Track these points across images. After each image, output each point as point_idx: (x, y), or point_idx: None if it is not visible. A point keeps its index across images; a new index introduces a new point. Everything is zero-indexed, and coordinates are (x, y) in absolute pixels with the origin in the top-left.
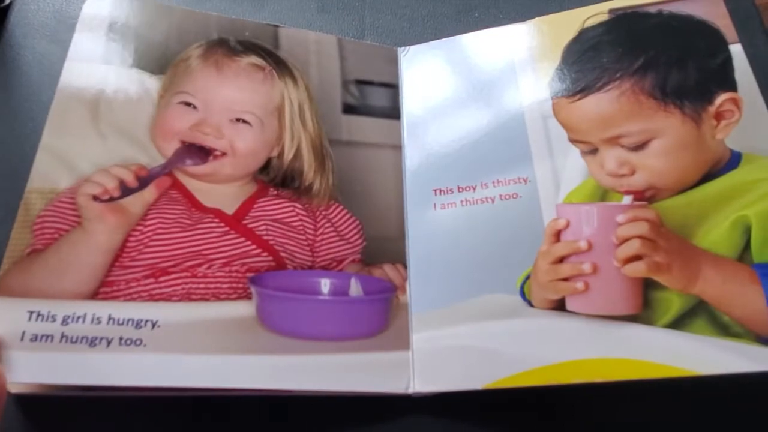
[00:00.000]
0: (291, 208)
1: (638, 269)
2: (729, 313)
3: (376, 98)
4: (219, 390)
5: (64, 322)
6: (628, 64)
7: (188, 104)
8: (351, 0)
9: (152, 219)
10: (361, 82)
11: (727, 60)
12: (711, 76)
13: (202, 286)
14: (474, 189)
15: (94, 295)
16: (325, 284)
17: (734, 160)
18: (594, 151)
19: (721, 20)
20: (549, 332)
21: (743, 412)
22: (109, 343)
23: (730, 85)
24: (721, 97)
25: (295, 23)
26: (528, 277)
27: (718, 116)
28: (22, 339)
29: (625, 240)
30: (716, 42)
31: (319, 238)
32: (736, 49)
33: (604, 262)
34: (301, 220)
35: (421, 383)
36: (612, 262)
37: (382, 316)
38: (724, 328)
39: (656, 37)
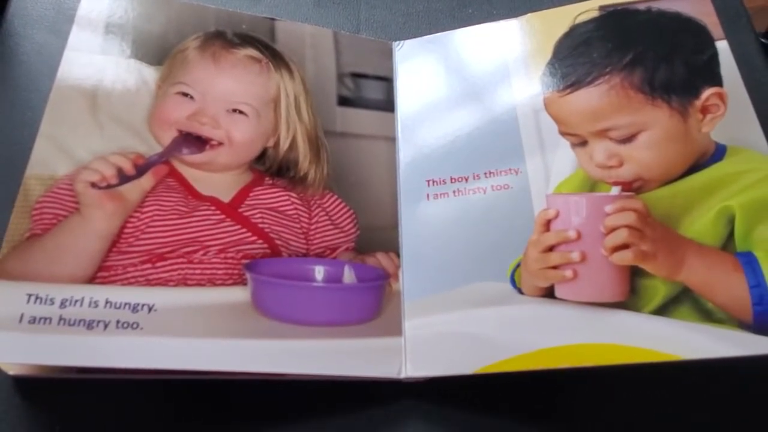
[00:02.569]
0: (286, 197)
1: (625, 257)
2: (712, 300)
3: (370, 91)
4: (213, 373)
5: (62, 305)
6: (617, 59)
7: (185, 95)
8: None
9: (149, 206)
10: (356, 75)
11: (714, 56)
12: (698, 71)
13: (198, 271)
14: (466, 180)
15: (92, 280)
16: (319, 271)
17: (719, 152)
18: (584, 143)
19: (708, 17)
20: (538, 319)
21: (725, 395)
22: (106, 326)
23: (716, 80)
24: (707, 92)
25: (292, 17)
26: (518, 266)
27: (704, 110)
28: (20, 321)
29: (613, 229)
30: (703, 38)
31: (313, 227)
32: (722, 46)
33: (592, 251)
34: (296, 208)
35: (413, 368)
36: (600, 251)
37: (374, 303)
38: (707, 314)
39: (645, 33)
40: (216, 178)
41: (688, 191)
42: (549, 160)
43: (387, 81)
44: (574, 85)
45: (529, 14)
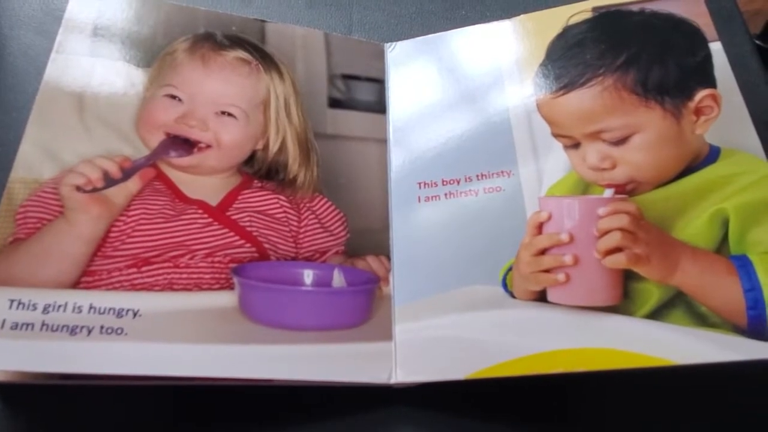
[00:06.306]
0: (275, 200)
1: (618, 261)
2: (706, 303)
3: (362, 93)
4: (200, 379)
5: (45, 310)
6: (610, 61)
7: (174, 97)
8: None
9: (135, 210)
10: (347, 77)
11: (707, 57)
12: (691, 72)
13: (184, 276)
14: (458, 182)
15: (76, 285)
16: (308, 275)
17: (713, 154)
18: (576, 145)
19: (701, 18)
20: (530, 323)
21: (719, 400)
22: (89, 331)
23: (710, 81)
24: (701, 94)
25: (283, 18)
26: (510, 269)
27: (698, 112)
28: (2, 327)
29: (606, 232)
30: (696, 40)
31: (302, 230)
32: (716, 47)
33: (585, 254)
34: (285, 211)
35: (403, 374)
36: (593, 254)
37: (364, 307)
38: (701, 318)
39: (638, 34)
40: (204, 181)
41: (682, 194)
42: (542, 162)
43: (378, 83)
44: (566, 87)
45: (522, 15)
